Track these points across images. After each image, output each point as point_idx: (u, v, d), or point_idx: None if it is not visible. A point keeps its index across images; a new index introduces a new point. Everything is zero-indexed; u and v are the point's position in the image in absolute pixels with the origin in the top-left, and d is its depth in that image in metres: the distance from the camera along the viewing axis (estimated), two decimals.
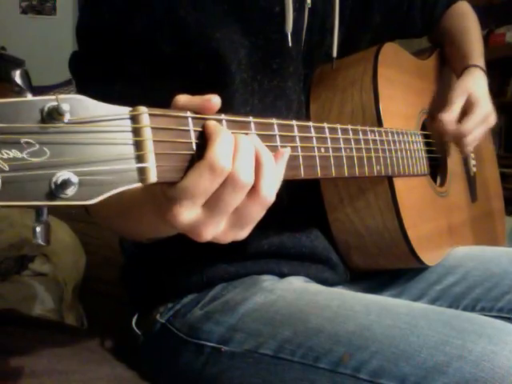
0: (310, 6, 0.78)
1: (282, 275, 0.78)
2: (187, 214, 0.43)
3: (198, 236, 0.45)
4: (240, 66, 0.71)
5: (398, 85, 0.88)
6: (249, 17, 0.72)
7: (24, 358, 0.74)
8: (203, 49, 0.68)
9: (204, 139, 0.45)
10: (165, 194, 0.44)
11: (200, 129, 0.46)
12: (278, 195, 0.49)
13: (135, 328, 0.80)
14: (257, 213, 0.47)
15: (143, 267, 0.82)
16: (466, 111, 0.91)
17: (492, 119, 0.94)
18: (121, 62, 0.67)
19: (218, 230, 0.46)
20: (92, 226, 1.35)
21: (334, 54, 0.83)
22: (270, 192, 0.46)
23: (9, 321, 0.91)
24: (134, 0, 0.66)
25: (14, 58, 3.92)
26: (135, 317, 0.82)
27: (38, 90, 0.35)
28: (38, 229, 0.37)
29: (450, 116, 0.89)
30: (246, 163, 0.45)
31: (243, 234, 0.48)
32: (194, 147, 0.45)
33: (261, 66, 0.74)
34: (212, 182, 0.43)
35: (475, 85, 0.94)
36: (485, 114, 0.92)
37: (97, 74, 0.68)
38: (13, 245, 1.20)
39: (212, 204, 0.44)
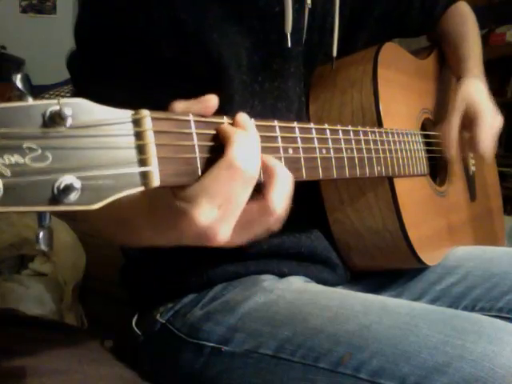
0: (310, 6, 0.78)
1: (281, 275, 0.78)
2: (206, 214, 0.44)
3: (214, 237, 0.45)
4: (240, 67, 0.70)
5: (398, 85, 0.88)
6: (248, 17, 0.71)
7: (24, 358, 0.73)
8: (202, 51, 0.68)
9: (215, 141, 0.46)
10: (179, 197, 0.44)
11: (202, 131, 0.45)
12: None
13: (135, 328, 0.80)
14: (266, 222, 0.49)
15: (143, 267, 0.82)
16: (470, 122, 0.93)
17: (498, 121, 0.95)
18: (120, 63, 0.66)
19: (230, 231, 0.46)
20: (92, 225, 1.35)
21: (334, 53, 0.83)
22: (279, 204, 0.49)
23: (9, 321, 0.91)
24: (133, 1, 0.65)
25: (14, 57, 3.93)
26: (135, 317, 0.82)
27: (38, 89, 0.35)
28: (41, 234, 0.36)
29: (448, 127, 0.92)
30: (252, 157, 0.46)
31: (243, 239, 0.50)
32: (197, 150, 0.45)
33: (261, 67, 0.73)
34: (230, 180, 0.44)
35: (473, 92, 0.95)
36: (490, 121, 0.93)
37: (96, 74, 0.67)
38: (13, 244, 1.20)
39: (225, 202, 0.44)
